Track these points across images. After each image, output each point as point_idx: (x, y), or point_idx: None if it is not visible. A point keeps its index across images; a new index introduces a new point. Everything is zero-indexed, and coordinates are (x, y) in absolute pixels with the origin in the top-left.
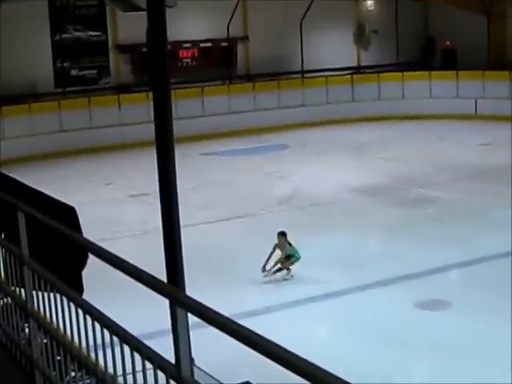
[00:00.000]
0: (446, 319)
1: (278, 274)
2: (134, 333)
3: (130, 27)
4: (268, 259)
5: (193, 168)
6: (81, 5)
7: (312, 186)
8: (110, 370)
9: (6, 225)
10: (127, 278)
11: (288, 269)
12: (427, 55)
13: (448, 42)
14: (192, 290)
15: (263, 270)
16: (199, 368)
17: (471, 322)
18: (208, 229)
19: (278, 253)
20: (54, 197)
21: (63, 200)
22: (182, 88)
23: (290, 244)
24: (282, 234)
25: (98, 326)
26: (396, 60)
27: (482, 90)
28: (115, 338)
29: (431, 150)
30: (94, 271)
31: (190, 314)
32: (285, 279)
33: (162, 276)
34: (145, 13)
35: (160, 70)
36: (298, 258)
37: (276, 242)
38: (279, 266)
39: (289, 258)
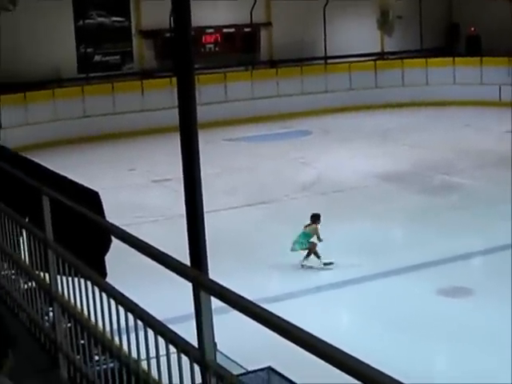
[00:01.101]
0: (468, 306)
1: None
2: (158, 317)
3: (153, 13)
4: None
5: (216, 154)
6: None
7: (335, 172)
8: (134, 354)
9: (31, 209)
10: (150, 262)
11: (318, 256)
12: (451, 41)
13: (472, 28)
14: (215, 275)
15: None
16: (221, 353)
17: (493, 310)
18: (231, 214)
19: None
20: (77, 182)
21: (87, 185)
22: (205, 74)
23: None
24: (316, 217)
25: (121, 310)
26: (420, 46)
27: (506, 77)
28: (139, 322)
29: (455, 136)
30: (117, 256)
31: (213, 299)
32: (325, 264)
33: (186, 261)
34: None
35: (184, 56)
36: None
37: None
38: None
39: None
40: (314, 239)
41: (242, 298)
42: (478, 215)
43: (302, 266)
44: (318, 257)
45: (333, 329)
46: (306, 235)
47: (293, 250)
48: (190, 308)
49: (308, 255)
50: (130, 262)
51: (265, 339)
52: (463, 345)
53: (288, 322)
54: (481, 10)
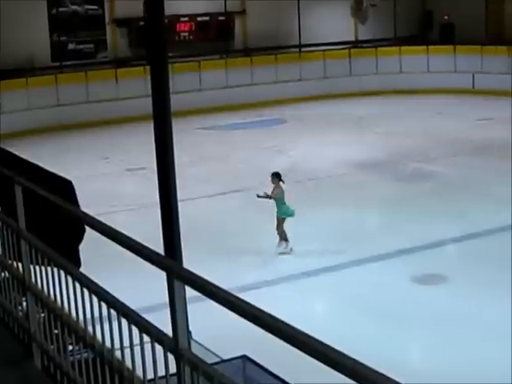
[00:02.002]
0: (443, 293)
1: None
2: (131, 306)
3: (127, 1)
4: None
5: (190, 142)
6: None
7: (310, 160)
8: (108, 343)
9: (3, 198)
10: (125, 251)
11: (286, 240)
12: (425, 29)
13: (446, 16)
14: (189, 264)
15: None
16: (196, 341)
17: (468, 296)
18: (206, 203)
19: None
20: (50, 171)
21: (60, 174)
22: (180, 62)
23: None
24: (276, 175)
25: (95, 299)
26: (394, 34)
27: (479, 65)
28: (113, 312)
29: (429, 124)
30: (92, 245)
31: (187, 288)
32: (282, 253)
33: (160, 250)
34: None
35: (157, 44)
36: (291, 215)
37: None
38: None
39: (282, 219)
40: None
41: (216, 287)
42: (453, 202)
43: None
44: (286, 239)
45: (307, 317)
46: (279, 197)
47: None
48: (166, 297)
49: (281, 238)
50: (105, 251)
51: (240, 328)
52: (439, 331)
53: (262, 311)
54: None
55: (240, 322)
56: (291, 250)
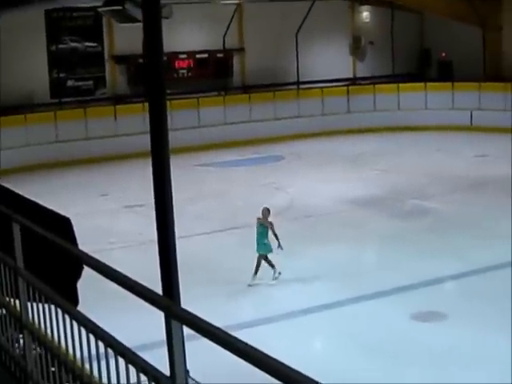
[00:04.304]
0: (442, 331)
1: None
2: (129, 344)
3: (126, 38)
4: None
5: (188, 179)
6: (77, 16)
7: (307, 197)
8: (105, 382)
9: (1, 236)
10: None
11: (272, 266)
12: (423, 67)
13: (443, 54)
14: (187, 301)
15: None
16: (194, 380)
17: (467, 334)
18: (204, 240)
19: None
20: (49, 208)
21: (58, 211)
22: (178, 99)
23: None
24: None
25: (92, 337)
26: (392, 71)
27: (477, 102)
28: (110, 350)
29: (427, 161)
30: (89, 282)
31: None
32: (275, 278)
33: (158, 287)
34: (141, 24)
35: (155, 81)
36: (269, 251)
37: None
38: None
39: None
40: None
41: (214, 327)
42: (451, 239)
43: (250, 285)
44: (272, 265)
45: (306, 355)
46: (262, 232)
47: (258, 251)
48: (163, 334)
49: (256, 271)
50: (103, 287)
51: (240, 367)
52: (437, 369)
53: (260, 352)
54: (452, 35)
55: (240, 361)
56: (279, 273)
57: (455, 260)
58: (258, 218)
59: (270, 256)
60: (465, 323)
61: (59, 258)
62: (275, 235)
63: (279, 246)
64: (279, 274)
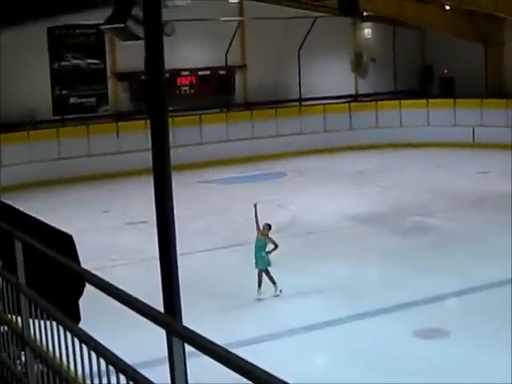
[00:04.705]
0: (444, 348)
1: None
2: (130, 361)
3: (129, 55)
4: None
5: (191, 196)
6: (79, 33)
7: (310, 214)
8: None
9: (4, 253)
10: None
11: (274, 282)
12: (425, 83)
13: (446, 70)
14: (189, 318)
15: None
16: None
17: (469, 351)
18: (206, 257)
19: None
20: (51, 224)
21: (61, 228)
22: (180, 116)
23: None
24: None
25: (94, 355)
26: (394, 88)
27: (479, 119)
28: (111, 367)
29: (429, 178)
30: (92, 299)
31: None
32: (276, 296)
33: (159, 304)
34: (143, 41)
35: (157, 98)
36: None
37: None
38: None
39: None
40: (268, 248)
41: (216, 344)
42: (453, 256)
43: (258, 299)
44: (274, 282)
45: (308, 372)
46: (261, 246)
47: (257, 266)
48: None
49: (260, 284)
50: (105, 305)
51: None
52: None
53: (261, 370)
54: (454, 52)
55: (242, 379)
56: (281, 291)
57: (457, 277)
58: (258, 231)
59: (271, 272)
60: (466, 340)
61: (61, 275)
62: (274, 243)
63: (275, 247)
64: (280, 291)
